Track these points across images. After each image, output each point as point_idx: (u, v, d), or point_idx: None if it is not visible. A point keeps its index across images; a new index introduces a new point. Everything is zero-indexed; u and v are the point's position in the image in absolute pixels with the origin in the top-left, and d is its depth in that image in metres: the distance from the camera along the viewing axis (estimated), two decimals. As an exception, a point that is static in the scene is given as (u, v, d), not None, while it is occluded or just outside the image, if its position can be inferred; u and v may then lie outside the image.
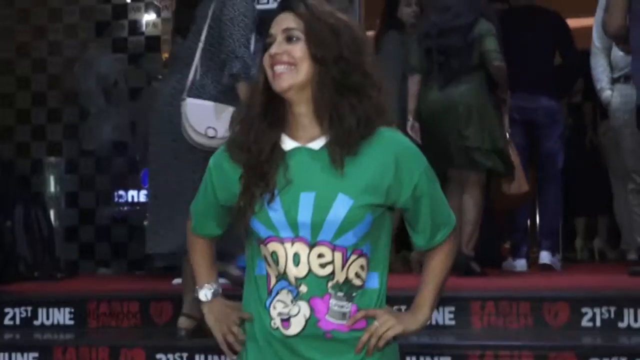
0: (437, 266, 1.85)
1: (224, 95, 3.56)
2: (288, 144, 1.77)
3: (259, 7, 4.48)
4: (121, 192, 6.41)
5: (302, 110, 1.76)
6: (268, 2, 4.59)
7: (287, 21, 1.75)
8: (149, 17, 6.39)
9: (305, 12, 1.74)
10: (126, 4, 6.31)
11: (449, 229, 1.85)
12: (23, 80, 6.38)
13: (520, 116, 4.98)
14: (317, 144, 1.76)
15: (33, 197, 5.75)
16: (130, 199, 6.41)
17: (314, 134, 1.77)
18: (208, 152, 2.78)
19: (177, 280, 4.54)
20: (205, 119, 3.51)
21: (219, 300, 1.89)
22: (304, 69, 1.73)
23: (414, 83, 4.70)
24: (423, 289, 1.83)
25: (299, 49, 1.73)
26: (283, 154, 1.76)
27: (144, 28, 6.35)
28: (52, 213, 5.79)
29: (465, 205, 4.56)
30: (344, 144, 1.72)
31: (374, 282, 1.80)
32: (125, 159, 6.30)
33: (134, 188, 6.37)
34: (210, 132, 3.50)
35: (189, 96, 3.54)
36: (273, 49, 1.73)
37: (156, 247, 3.74)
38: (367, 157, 1.74)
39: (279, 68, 1.72)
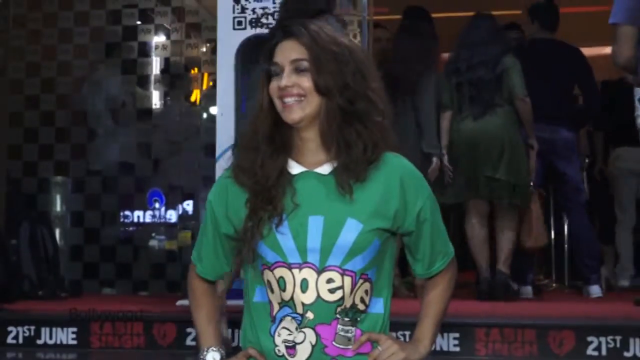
0: (435, 297, 1.85)
1: None
2: (295, 168, 1.77)
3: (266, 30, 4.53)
4: (127, 213, 6.39)
5: (310, 136, 1.76)
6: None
7: (293, 51, 1.73)
8: (158, 39, 6.41)
9: (310, 41, 1.73)
10: (136, 26, 6.33)
11: (447, 258, 1.86)
12: (32, 100, 6.39)
13: (540, 146, 4.96)
14: (325, 169, 1.76)
15: (39, 215, 5.73)
16: (136, 219, 6.39)
17: (321, 159, 1.76)
18: None
19: (181, 302, 4.52)
20: None
21: None
22: (314, 100, 1.72)
23: (445, 119, 4.86)
24: (423, 321, 1.84)
25: (307, 80, 1.72)
26: (290, 178, 1.76)
27: (153, 50, 6.37)
28: (57, 232, 5.78)
29: (503, 224, 4.74)
30: (352, 171, 1.72)
31: (379, 307, 1.79)
32: (132, 179, 6.27)
33: (140, 208, 6.34)
34: None
35: None
36: (283, 81, 1.72)
37: None
38: (374, 182, 1.75)
39: (289, 100, 1.72)
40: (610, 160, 6.10)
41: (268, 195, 1.73)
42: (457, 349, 3.73)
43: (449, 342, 3.74)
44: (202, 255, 1.86)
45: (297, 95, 1.72)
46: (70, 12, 6.35)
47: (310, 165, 1.77)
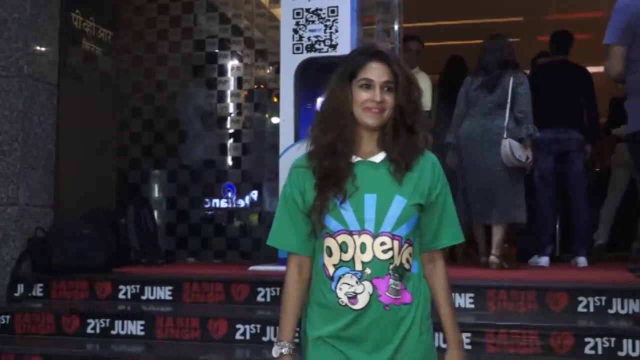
0: (445, 302, 1.84)
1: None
2: (354, 158, 1.81)
3: (319, 54, 4.52)
4: (207, 199, 6.46)
5: (370, 136, 1.81)
6: (328, 51, 4.58)
7: (385, 74, 1.77)
8: (233, 63, 6.45)
9: (397, 68, 1.78)
10: (216, 52, 6.38)
11: (452, 240, 1.85)
12: (136, 111, 6.49)
13: (556, 146, 5.05)
14: (378, 158, 1.81)
15: (142, 200, 5.80)
16: (214, 205, 6.44)
17: (374, 151, 1.82)
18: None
19: (252, 267, 4.55)
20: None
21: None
22: (390, 113, 1.78)
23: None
24: (448, 328, 1.83)
25: (392, 99, 1.77)
26: (351, 165, 1.79)
27: (229, 71, 6.41)
28: (156, 213, 5.86)
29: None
30: (407, 165, 1.78)
31: (415, 268, 1.82)
32: (213, 172, 6.32)
33: (218, 197, 6.39)
34: (523, 158, 4.54)
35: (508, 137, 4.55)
36: (378, 97, 1.76)
37: None
38: (415, 170, 1.80)
39: (376, 110, 1.77)
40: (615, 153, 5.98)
41: (335, 179, 1.76)
42: (472, 305, 3.70)
43: (466, 301, 3.70)
44: (287, 233, 1.83)
45: (382, 108, 1.78)
46: (165, 41, 6.42)
47: (365, 155, 1.81)
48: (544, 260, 5.03)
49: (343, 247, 1.75)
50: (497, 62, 4.82)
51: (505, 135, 4.56)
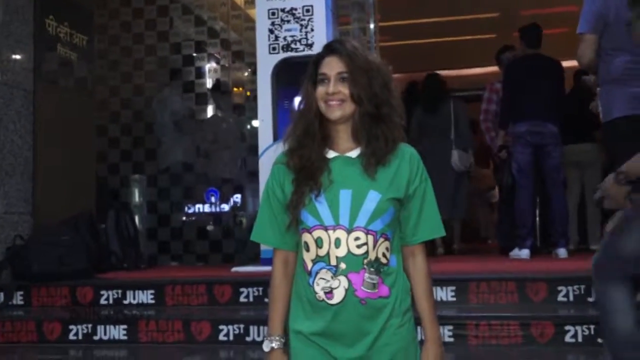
0: (424, 296, 1.82)
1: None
2: (331, 153, 1.82)
3: (295, 54, 4.54)
4: (190, 205, 6.44)
5: (344, 130, 1.81)
6: (304, 50, 4.60)
7: (337, 65, 1.77)
8: (210, 65, 6.45)
9: (348, 59, 1.77)
10: (193, 55, 6.36)
11: (432, 234, 1.84)
12: (114, 115, 6.45)
13: (532, 139, 5.06)
14: (354, 153, 1.81)
15: (122, 205, 5.77)
16: (196, 210, 6.43)
17: (350, 146, 1.81)
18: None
19: (235, 269, 4.54)
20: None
21: (280, 353, 1.81)
22: (351, 104, 1.77)
23: None
24: (426, 319, 1.81)
25: (347, 89, 1.76)
26: (327, 160, 1.80)
27: (207, 73, 6.39)
28: (136, 218, 5.82)
29: None
30: (376, 158, 1.77)
31: (394, 262, 1.81)
32: (193, 175, 6.31)
33: (200, 200, 6.38)
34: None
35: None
36: (331, 88, 1.76)
37: None
38: (390, 164, 1.79)
39: (333, 103, 1.76)
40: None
41: (310, 173, 1.77)
42: (454, 298, 3.72)
43: (447, 294, 3.72)
44: (269, 226, 1.84)
45: (340, 100, 1.77)
46: (142, 45, 6.40)
47: (342, 151, 1.82)
48: (525, 253, 5.07)
49: (319, 242, 1.75)
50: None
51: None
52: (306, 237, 1.78)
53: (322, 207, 1.75)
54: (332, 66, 1.78)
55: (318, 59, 1.81)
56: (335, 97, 1.76)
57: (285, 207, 1.81)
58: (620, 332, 2.44)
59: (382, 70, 1.82)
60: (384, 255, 1.77)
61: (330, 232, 1.74)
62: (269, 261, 1.91)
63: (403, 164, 1.80)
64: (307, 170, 1.78)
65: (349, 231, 1.73)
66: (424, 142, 5.62)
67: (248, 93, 6.20)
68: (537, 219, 5.84)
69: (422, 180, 1.83)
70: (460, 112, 5.81)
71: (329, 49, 1.82)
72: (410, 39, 9.01)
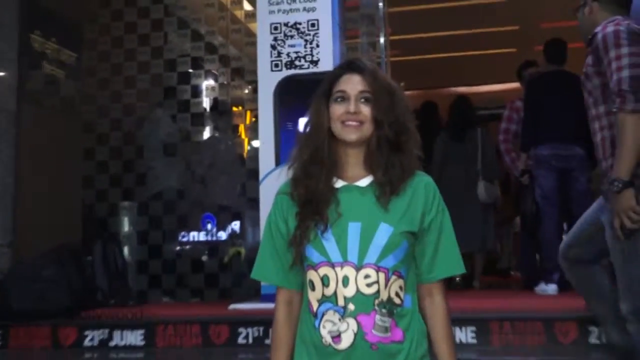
0: (443, 339, 1.78)
1: None
2: (338, 182, 1.79)
3: (299, 71, 4.53)
4: (184, 232, 6.39)
5: (355, 154, 1.79)
6: (308, 67, 4.59)
7: (359, 84, 1.77)
8: (208, 83, 6.44)
9: (372, 79, 1.77)
10: (189, 72, 6.36)
11: (450, 271, 1.80)
12: (102, 137, 6.43)
13: (557, 163, 4.97)
14: (364, 182, 1.78)
15: (110, 235, 5.74)
16: (192, 238, 6.37)
17: (361, 174, 1.79)
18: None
19: (233, 306, 4.47)
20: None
21: None
22: (370, 126, 1.76)
23: None
24: (441, 353, 1.78)
25: (368, 110, 1.76)
26: (335, 191, 1.77)
27: (204, 92, 6.39)
28: (125, 249, 5.78)
29: None
30: (391, 187, 1.75)
31: (408, 302, 1.77)
32: (188, 202, 6.27)
33: (195, 228, 6.33)
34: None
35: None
36: (352, 107, 1.75)
37: None
38: (404, 194, 1.76)
39: (352, 123, 1.75)
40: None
41: (316, 206, 1.75)
42: (474, 340, 3.65)
43: (467, 335, 3.65)
44: (269, 265, 1.82)
45: (359, 120, 1.76)
46: (134, 62, 6.40)
47: (351, 179, 1.79)
48: (552, 288, 4.99)
49: (325, 281, 1.72)
50: None
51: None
52: (311, 275, 1.74)
53: (329, 242, 1.72)
54: (354, 84, 1.77)
55: (335, 76, 1.81)
56: (357, 117, 1.75)
57: (288, 242, 1.78)
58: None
59: (401, 94, 1.83)
60: (397, 294, 1.73)
61: (338, 269, 1.70)
62: (270, 297, 1.88)
63: (418, 193, 1.78)
64: (313, 203, 1.75)
65: (358, 268, 1.70)
66: (448, 170, 5.63)
67: (253, 118, 6.19)
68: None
69: (439, 212, 1.79)
70: (488, 140, 5.82)
71: (349, 66, 1.81)
72: (423, 53, 9.02)
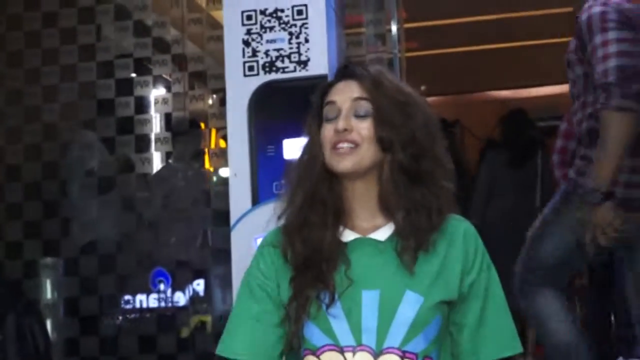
0: None
1: None
2: (347, 234, 1.78)
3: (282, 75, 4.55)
4: (128, 297, 6.35)
5: (365, 196, 1.78)
6: (295, 70, 4.62)
7: (353, 91, 1.77)
8: (157, 93, 6.47)
9: (372, 86, 1.76)
10: (131, 79, 6.39)
11: (503, 351, 1.80)
12: (13, 170, 6.43)
13: None
14: (382, 234, 1.77)
15: (27, 305, 5.72)
16: (138, 305, 6.35)
17: (377, 223, 1.78)
18: None
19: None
20: None
21: None
22: (370, 151, 1.75)
23: None
24: None
25: (367, 127, 1.74)
26: (343, 247, 1.76)
27: (152, 105, 6.41)
28: (48, 323, 5.75)
29: None
30: (418, 240, 1.73)
31: None
32: (132, 256, 6.27)
33: (143, 291, 6.31)
34: None
35: None
36: (340, 124, 1.74)
37: None
38: (436, 250, 1.76)
39: (342, 146, 1.74)
40: None
41: (319, 269, 1.74)
42: None
43: None
44: (242, 335, 1.82)
45: (353, 142, 1.74)
46: (56, 65, 6.42)
47: (365, 230, 1.78)
48: None
49: None
50: None
51: None
52: None
53: (337, 320, 1.72)
54: (346, 93, 1.77)
55: (327, 86, 1.82)
56: (347, 137, 1.74)
57: (279, 312, 1.78)
58: (561, 336, 3.32)
59: (423, 106, 1.82)
60: None
61: (349, 355, 1.71)
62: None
63: (455, 247, 1.78)
64: (315, 265, 1.74)
65: (376, 355, 1.70)
66: (498, 203, 5.75)
67: (221, 141, 6.21)
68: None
69: (483, 270, 1.80)
70: (548, 164, 5.90)
71: (343, 72, 1.83)
72: (450, 46, 9.11)
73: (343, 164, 1.73)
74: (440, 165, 1.79)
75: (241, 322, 1.82)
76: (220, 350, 1.83)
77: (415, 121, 1.76)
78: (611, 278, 5.26)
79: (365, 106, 1.75)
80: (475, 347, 1.78)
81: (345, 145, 1.74)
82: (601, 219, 2.88)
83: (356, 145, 1.74)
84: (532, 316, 3.47)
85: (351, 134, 1.74)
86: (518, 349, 1.81)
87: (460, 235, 1.78)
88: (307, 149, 1.83)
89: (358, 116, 1.75)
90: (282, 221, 1.82)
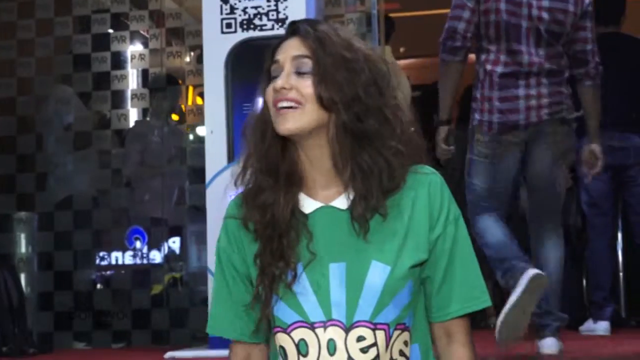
0: None
1: None
2: (308, 203, 1.71)
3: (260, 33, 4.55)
4: (103, 253, 6.36)
5: (319, 160, 1.71)
6: (273, 28, 4.61)
7: (295, 49, 1.70)
8: (134, 49, 6.44)
9: (316, 42, 1.69)
10: (108, 34, 6.34)
11: (471, 304, 1.75)
12: (-12, 124, 6.40)
13: (610, 158, 4.67)
14: (342, 201, 1.70)
15: (0, 259, 5.68)
16: (114, 261, 6.36)
17: (338, 189, 1.71)
18: None
19: (170, 354, 4.48)
20: None
21: None
22: (314, 112, 1.67)
23: None
24: None
25: (308, 86, 1.67)
26: (304, 218, 1.70)
27: (129, 61, 6.38)
28: (22, 277, 5.74)
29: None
30: (369, 204, 1.66)
31: (416, 355, 1.74)
32: (108, 212, 6.26)
33: (118, 248, 6.32)
34: None
35: None
36: (279, 82, 1.67)
37: None
38: (400, 211, 1.69)
39: (284, 105, 1.66)
40: None
41: (279, 245, 1.68)
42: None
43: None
44: (224, 313, 1.79)
45: (293, 100, 1.66)
46: (32, 20, 6.37)
47: (326, 198, 1.71)
48: (603, 327, 5.07)
49: (301, 348, 1.68)
50: None
51: None
52: (282, 340, 1.70)
53: (304, 295, 1.68)
54: (287, 50, 1.71)
55: (276, 45, 1.75)
56: (285, 96, 1.67)
57: (249, 292, 1.73)
58: (494, 243, 3.73)
59: (374, 62, 1.73)
60: (401, 353, 1.70)
61: (319, 331, 1.67)
62: (221, 342, 1.86)
63: (419, 202, 1.71)
64: (274, 242, 1.68)
65: (347, 329, 1.66)
66: None
67: (198, 98, 6.18)
68: (621, 275, 5.85)
69: (450, 222, 1.73)
70: None
71: (290, 29, 1.75)
72: (434, 7, 9.05)
73: (284, 125, 1.64)
74: (390, 125, 1.68)
75: (220, 301, 1.79)
76: (211, 329, 1.82)
77: (361, 78, 1.66)
78: (583, 244, 5.31)
79: (307, 63, 1.66)
80: (444, 302, 1.72)
81: (285, 104, 1.64)
82: (437, 138, 3.91)
83: (299, 104, 1.65)
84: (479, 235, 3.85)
85: (291, 92, 1.64)
86: (487, 302, 1.75)
87: (425, 190, 1.70)
88: (259, 111, 1.73)
89: (299, 74, 1.66)
90: (239, 184, 1.74)
